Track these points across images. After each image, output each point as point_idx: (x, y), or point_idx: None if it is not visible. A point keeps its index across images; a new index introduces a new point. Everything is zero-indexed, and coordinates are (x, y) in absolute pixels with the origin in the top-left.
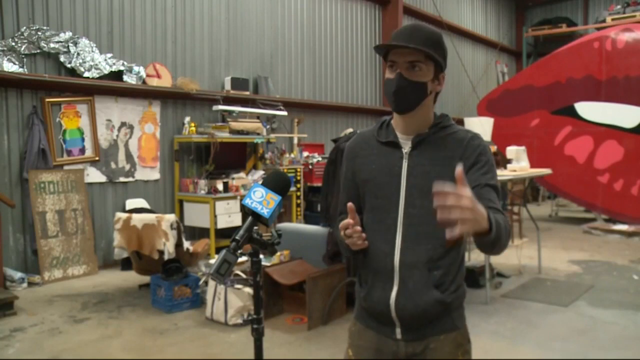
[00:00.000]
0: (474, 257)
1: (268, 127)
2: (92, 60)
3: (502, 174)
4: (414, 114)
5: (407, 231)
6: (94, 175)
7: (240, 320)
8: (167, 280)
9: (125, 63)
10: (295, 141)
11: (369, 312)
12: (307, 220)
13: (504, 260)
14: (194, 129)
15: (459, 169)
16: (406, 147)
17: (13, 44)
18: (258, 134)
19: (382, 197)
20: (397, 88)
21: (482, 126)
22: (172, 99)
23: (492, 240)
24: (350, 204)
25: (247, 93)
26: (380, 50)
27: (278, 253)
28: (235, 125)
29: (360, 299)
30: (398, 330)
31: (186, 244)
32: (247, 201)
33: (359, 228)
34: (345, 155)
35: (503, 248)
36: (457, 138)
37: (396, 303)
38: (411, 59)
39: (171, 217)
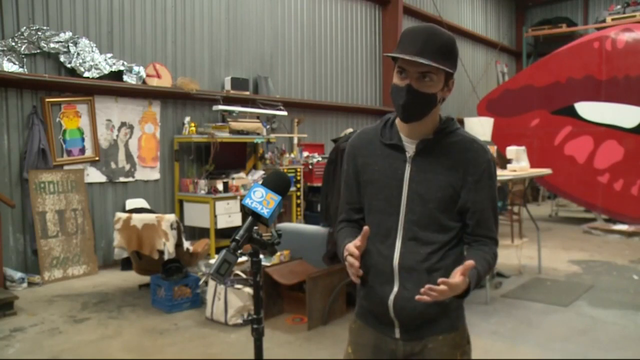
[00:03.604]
0: None
1: (268, 127)
2: (92, 60)
3: (502, 174)
4: (421, 121)
5: (407, 236)
6: (94, 175)
7: (240, 320)
8: (167, 280)
9: (125, 63)
10: (295, 141)
11: (369, 311)
12: (307, 220)
13: (504, 260)
14: (194, 129)
15: (470, 262)
16: (410, 151)
17: (13, 44)
18: (258, 134)
19: (383, 200)
20: (407, 100)
21: (482, 126)
22: (172, 99)
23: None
24: (366, 228)
25: (247, 93)
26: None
27: (278, 253)
28: (235, 125)
29: (360, 297)
30: (397, 330)
31: (186, 244)
32: (247, 201)
33: (357, 264)
34: (347, 153)
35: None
36: (462, 147)
37: (394, 304)
38: (422, 70)
39: (171, 217)
